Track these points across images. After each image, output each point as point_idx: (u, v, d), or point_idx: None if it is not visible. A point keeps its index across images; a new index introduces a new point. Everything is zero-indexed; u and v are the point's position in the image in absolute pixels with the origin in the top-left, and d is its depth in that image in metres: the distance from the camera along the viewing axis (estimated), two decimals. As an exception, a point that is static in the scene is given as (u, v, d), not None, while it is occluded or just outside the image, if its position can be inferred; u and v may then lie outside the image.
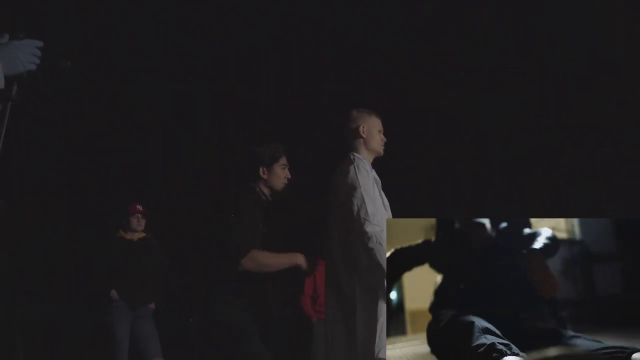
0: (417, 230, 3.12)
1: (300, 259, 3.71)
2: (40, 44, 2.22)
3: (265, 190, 3.89)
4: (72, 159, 7.02)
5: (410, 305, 3.12)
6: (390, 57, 7.22)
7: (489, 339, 2.45)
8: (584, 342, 2.59)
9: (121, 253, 5.97)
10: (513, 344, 2.44)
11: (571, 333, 2.70)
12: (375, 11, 6.99)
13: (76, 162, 7.04)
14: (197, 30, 6.86)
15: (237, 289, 3.63)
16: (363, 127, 3.76)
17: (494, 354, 2.37)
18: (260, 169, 3.87)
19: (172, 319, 6.28)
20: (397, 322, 3.12)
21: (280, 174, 3.89)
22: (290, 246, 3.80)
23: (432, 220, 3.10)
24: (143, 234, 6.19)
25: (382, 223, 3.39)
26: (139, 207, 6.13)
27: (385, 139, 3.85)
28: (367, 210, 3.38)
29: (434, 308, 2.94)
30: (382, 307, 3.33)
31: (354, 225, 3.43)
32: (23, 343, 5.86)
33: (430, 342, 2.78)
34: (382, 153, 3.84)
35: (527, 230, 3.03)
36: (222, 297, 3.62)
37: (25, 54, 2.17)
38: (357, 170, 3.54)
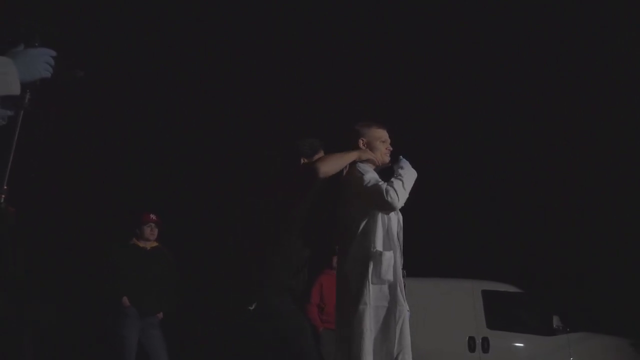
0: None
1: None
2: (54, 53, 2.26)
3: None
4: (87, 167, 7.11)
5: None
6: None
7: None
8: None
9: (133, 261, 6.01)
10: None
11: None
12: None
13: (91, 169, 7.13)
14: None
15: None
16: (363, 141, 3.80)
17: None
18: (302, 161, 3.95)
19: (180, 328, 6.31)
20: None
21: None
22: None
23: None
24: (155, 244, 6.23)
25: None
26: (153, 217, 6.18)
27: (391, 148, 3.88)
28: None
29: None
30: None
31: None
32: (32, 346, 5.91)
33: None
34: (389, 162, 3.86)
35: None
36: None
37: (41, 62, 2.21)
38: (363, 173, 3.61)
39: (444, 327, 8.28)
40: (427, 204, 10.06)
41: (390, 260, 3.47)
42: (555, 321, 8.13)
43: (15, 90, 2.10)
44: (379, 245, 3.49)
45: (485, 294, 8.47)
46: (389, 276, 3.45)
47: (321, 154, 3.95)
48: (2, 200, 2.23)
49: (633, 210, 10.19)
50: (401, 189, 3.46)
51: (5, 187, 2.23)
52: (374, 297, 3.44)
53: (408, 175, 3.60)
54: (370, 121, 3.92)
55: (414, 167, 3.75)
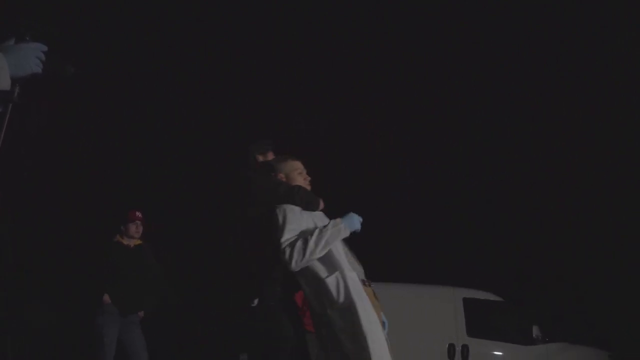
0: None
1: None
2: (45, 48, 2.25)
3: None
4: (73, 163, 7.07)
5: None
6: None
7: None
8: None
9: (117, 258, 5.98)
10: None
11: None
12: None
13: (77, 165, 7.09)
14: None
15: None
16: (282, 175, 3.84)
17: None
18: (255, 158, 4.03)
19: (162, 327, 6.29)
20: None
21: None
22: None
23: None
24: (139, 241, 6.20)
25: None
26: (139, 214, 6.15)
27: (309, 177, 3.90)
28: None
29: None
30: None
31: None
32: (12, 343, 5.85)
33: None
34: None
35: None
36: None
37: (32, 57, 2.20)
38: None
39: (424, 334, 8.31)
40: (411, 211, 10.13)
41: (337, 282, 3.35)
42: (535, 331, 8.20)
43: (5, 85, 2.09)
44: (322, 273, 3.39)
45: (467, 301, 8.52)
46: (342, 298, 3.32)
47: (271, 155, 4.05)
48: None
49: (614, 223, 10.31)
50: (308, 249, 3.31)
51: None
52: (337, 324, 3.35)
53: (330, 234, 3.39)
54: (284, 155, 3.99)
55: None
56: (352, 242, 3.66)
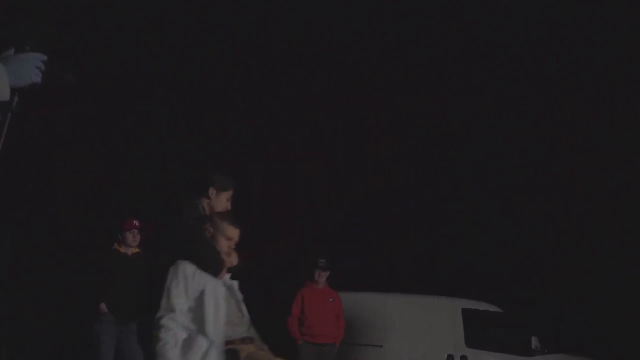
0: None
1: None
2: (44, 57, 2.25)
3: (207, 210, 4.06)
4: (72, 171, 7.07)
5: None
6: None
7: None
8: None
9: (114, 266, 5.97)
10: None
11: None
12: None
13: (76, 173, 7.09)
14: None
15: None
16: (210, 231, 3.86)
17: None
18: (210, 190, 4.07)
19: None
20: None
21: (224, 202, 4.09)
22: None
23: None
24: (137, 250, 6.19)
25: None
26: (136, 223, 6.15)
27: (233, 247, 3.93)
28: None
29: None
30: None
31: None
32: (7, 350, 5.85)
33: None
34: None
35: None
36: None
37: (31, 67, 2.20)
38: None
39: (423, 344, 8.28)
40: (410, 222, 10.12)
41: (190, 341, 3.45)
42: (534, 342, 8.17)
43: (5, 95, 2.10)
44: (189, 325, 3.52)
45: (466, 312, 8.49)
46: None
47: (230, 192, 4.11)
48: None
49: (614, 232, 10.30)
50: (167, 347, 3.38)
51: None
52: None
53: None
54: (228, 217, 3.98)
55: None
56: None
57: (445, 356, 8.13)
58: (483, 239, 10.82)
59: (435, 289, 8.98)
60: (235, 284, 3.84)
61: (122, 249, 6.11)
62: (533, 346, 8.14)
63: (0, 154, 2.21)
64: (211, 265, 3.66)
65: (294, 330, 7.23)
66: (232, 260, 3.84)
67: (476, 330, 8.45)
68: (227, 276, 3.81)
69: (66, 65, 2.43)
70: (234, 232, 3.86)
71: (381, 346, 8.37)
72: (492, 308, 8.62)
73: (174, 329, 3.39)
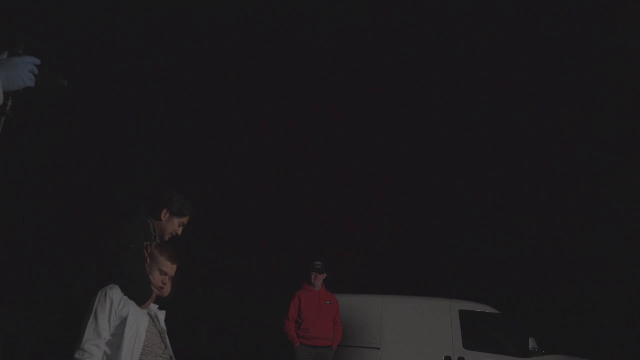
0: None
1: None
2: (38, 61, 2.26)
3: (158, 232, 3.97)
4: (68, 173, 7.07)
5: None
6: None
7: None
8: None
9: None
10: None
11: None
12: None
13: (71, 175, 7.08)
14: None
15: None
16: (149, 262, 3.83)
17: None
18: (163, 212, 3.95)
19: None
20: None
21: (175, 228, 3.99)
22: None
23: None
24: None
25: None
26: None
27: (167, 283, 3.89)
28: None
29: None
30: None
31: None
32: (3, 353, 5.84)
33: None
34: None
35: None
36: None
37: (25, 71, 2.21)
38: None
39: (421, 346, 8.29)
40: (408, 224, 10.13)
41: None
42: (531, 343, 8.17)
43: None
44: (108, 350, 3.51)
45: (463, 314, 8.50)
46: None
47: (185, 219, 4.00)
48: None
49: (610, 236, 10.33)
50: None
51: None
52: None
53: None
54: (169, 252, 3.90)
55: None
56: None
57: (443, 358, 8.14)
58: (480, 241, 10.84)
59: (432, 291, 8.99)
60: (162, 314, 3.81)
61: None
62: (530, 348, 8.14)
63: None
64: (137, 294, 3.58)
65: (291, 333, 7.23)
66: (165, 291, 3.78)
67: (474, 332, 8.46)
68: (155, 307, 3.77)
69: (59, 70, 2.44)
70: (170, 269, 3.80)
71: (379, 348, 8.37)
72: (490, 310, 8.63)
73: (96, 356, 3.37)
